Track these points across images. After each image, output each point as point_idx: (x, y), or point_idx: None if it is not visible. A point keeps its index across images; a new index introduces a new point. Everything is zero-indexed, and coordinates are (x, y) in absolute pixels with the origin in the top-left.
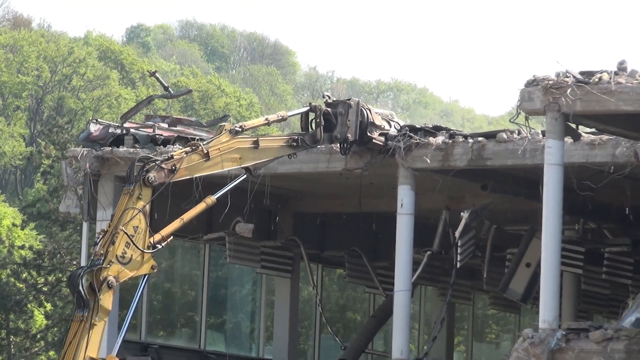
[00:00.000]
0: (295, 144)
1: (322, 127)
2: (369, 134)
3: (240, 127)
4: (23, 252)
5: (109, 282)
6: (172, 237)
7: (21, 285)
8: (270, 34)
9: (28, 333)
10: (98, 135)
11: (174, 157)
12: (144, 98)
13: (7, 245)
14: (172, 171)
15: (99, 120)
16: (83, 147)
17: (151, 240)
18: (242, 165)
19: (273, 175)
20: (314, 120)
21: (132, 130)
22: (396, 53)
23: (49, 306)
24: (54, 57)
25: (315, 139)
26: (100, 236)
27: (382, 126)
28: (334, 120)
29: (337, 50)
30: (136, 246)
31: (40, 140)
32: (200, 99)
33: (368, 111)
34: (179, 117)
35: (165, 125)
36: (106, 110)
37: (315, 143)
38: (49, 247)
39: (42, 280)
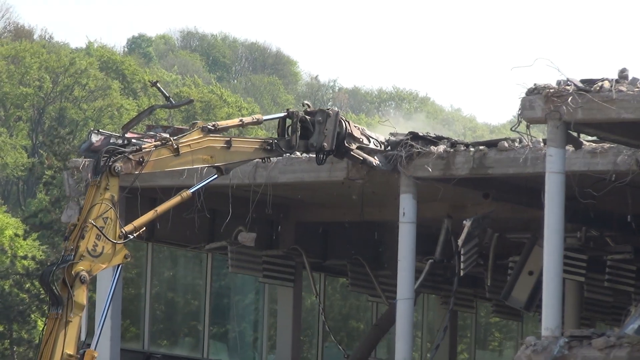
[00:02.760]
0: (269, 147)
1: (298, 134)
2: (347, 145)
3: (213, 125)
4: (26, 263)
5: (82, 277)
6: (144, 227)
7: (24, 296)
8: (272, 44)
9: (31, 343)
10: (100, 145)
11: (143, 149)
12: (146, 108)
13: (9, 255)
14: (140, 163)
15: (100, 130)
16: (85, 157)
17: (122, 230)
18: (213, 165)
19: (275, 185)
20: (290, 127)
21: (133, 140)
22: (398, 62)
23: None
24: (56, 68)
25: (291, 144)
26: (70, 230)
27: (361, 139)
28: (311, 127)
29: (338, 60)
30: (107, 238)
31: (42, 151)
32: (202, 109)
33: (347, 123)
34: (180, 127)
35: (167, 136)
36: (108, 120)
37: (290, 149)
38: (52, 257)
39: None
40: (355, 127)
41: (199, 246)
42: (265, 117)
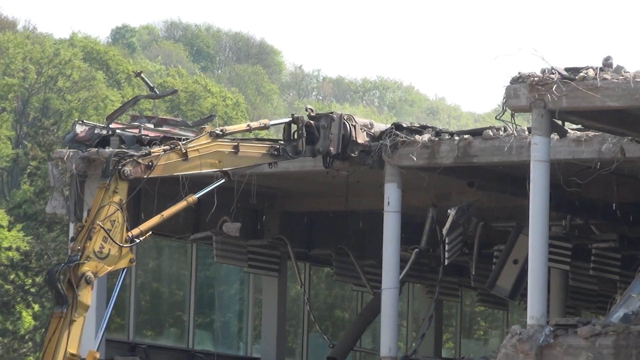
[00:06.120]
0: (276, 152)
1: (304, 139)
2: (349, 153)
3: (222, 130)
4: (10, 254)
5: (87, 278)
6: (151, 232)
7: (9, 287)
8: (256, 34)
9: (16, 334)
10: (84, 136)
11: (152, 153)
12: (130, 99)
13: None
14: (149, 167)
15: (84, 121)
16: (69, 148)
17: (129, 234)
18: (221, 170)
19: (260, 175)
20: (296, 132)
21: (118, 130)
22: (382, 51)
23: (36, 307)
24: (40, 59)
25: (297, 150)
26: (78, 231)
27: (365, 144)
28: (316, 133)
29: (322, 49)
30: (113, 240)
31: (26, 142)
32: (186, 99)
33: (352, 127)
34: (165, 117)
35: (151, 126)
36: (92, 111)
37: (296, 154)
38: (36, 248)
39: (30, 281)
40: (361, 128)
41: (183, 236)
42: (272, 122)
